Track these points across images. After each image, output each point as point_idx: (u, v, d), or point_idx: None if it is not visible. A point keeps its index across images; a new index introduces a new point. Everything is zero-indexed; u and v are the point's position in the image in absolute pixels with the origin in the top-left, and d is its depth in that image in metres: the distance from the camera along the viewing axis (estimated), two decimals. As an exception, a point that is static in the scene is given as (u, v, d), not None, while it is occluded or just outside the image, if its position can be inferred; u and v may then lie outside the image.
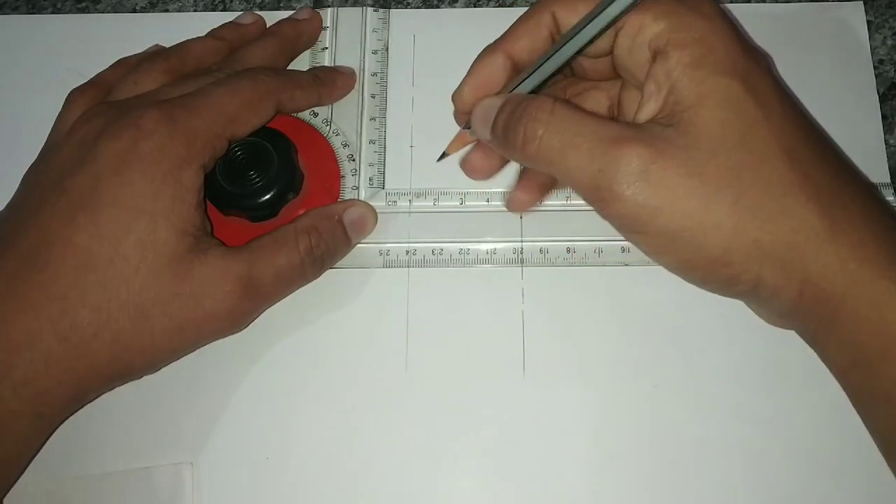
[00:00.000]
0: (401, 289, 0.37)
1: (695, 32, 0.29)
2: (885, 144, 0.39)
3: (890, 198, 0.37)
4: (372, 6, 0.41)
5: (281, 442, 0.35)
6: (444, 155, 0.35)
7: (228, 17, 0.40)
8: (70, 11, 0.43)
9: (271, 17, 0.40)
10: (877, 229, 0.28)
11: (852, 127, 0.39)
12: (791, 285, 0.28)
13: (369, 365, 0.36)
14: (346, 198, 0.38)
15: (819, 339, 0.30)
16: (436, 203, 0.38)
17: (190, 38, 0.38)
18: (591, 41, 0.31)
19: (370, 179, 0.38)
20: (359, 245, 0.37)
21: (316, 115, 0.39)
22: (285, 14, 0.41)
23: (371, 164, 0.39)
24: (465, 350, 0.36)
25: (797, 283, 0.28)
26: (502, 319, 0.36)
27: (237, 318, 0.33)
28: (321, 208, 0.36)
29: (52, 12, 0.43)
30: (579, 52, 0.31)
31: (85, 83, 0.37)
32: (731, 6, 0.41)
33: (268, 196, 0.35)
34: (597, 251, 0.37)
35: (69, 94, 0.36)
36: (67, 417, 0.33)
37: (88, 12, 0.43)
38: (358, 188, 0.38)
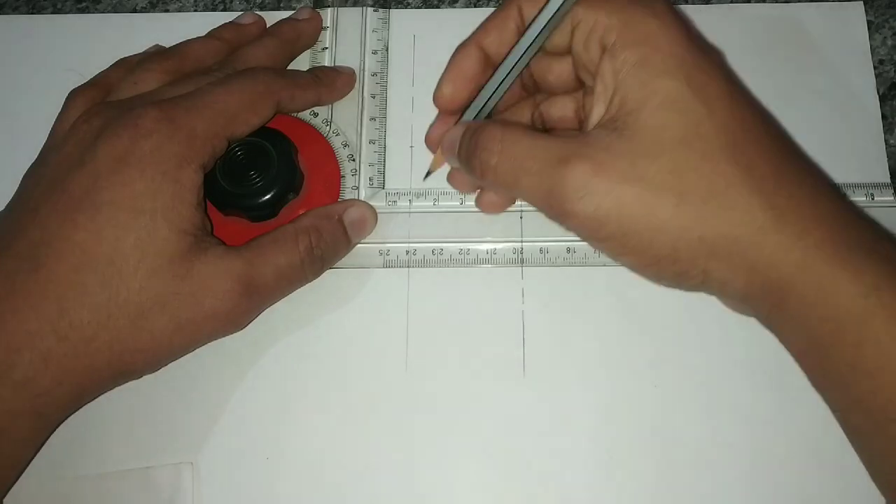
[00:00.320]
0: (401, 289, 0.37)
1: (643, 31, 0.30)
2: (885, 144, 0.39)
3: (890, 198, 0.37)
4: (372, 6, 0.41)
5: (281, 442, 0.35)
6: (428, 173, 0.37)
7: (228, 17, 0.40)
8: (70, 11, 0.43)
9: (271, 17, 0.40)
10: (823, 217, 0.29)
11: (852, 127, 0.39)
12: (737, 277, 0.29)
13: (369, 365, 0.36)
14: (346, 198, 0.38)
15: (774, 325, 0.31)
16: (436, 203, 0.38)
17: (190, 38, 0.38)
18: (541, 33, 0.32)
19: (370, 179, 0.38)
20: (359, 245, 0.37)
21: (316, 115, 0.39)
22: (285, 14, 0.41)
23: (371, 164, 0.39)
24: (465, 350, 0.36)
25: (743, 274, 0.29)
26: (502, 319, 0.36)
27: (237, 317, 0.33)
28: (321, 208, 0.36)
29: (52, 12, 0.43)
30: (538, 50, 0.33)
31: (85, 83, 0.37)
32: (731, 6, 0.41)
33: (268, 196, 0.35)
34: (597, 251, 0.37)
35: (69, 94, 0.36)
36: (67, 417, 0.33)
37: (88, 12, 0.43)
38: (358, 188, 0.38)
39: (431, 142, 0.36)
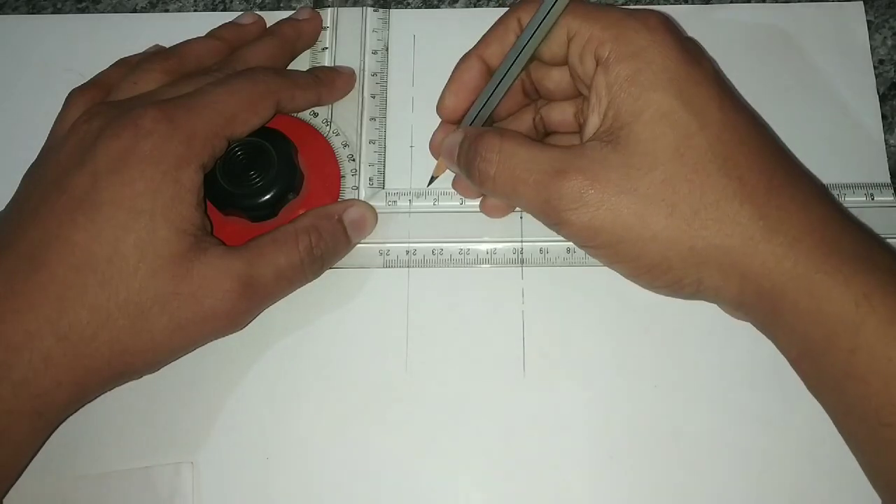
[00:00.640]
0: (401, 289, 0.37)
1: (636, 45, 0.31)
2: (886, 144, 0.39)
3: (890, 198, 0.37)
4: (372, 6, 0.41)
5: (281, 442, 0.35)
6: (433, 179, 0.37)
7: (228, 17, 0.40)
8: (70, 11, 0.43)
9: (271, 17, 0.40)
10: (814, 225, 0.30)
11: (852, 127, 0.39)
12: (731, 286, 0.30)
13: (369, 365, 0.36)
14: (346, 198, 0.38)
15: (769, 331, 0.31)
16: (436, 203, 0.38)
17: (190, 38, 0.38)
18: (530, 41, 0.33)
19: (370, 179, 0.38)
20: (359, 245, 0.37)
21: (316, 115, 0.39)
22: (285, 14, 0.41)
23: (371, 164, 0.39)
24: (465, 350, 0.36)
25: (736, 283, 0.30)
26: (502, 319, 0.36)
27: (237, 317, 0.33)
28: (321, 208, 0.36)
29: (52, 12, 0.43)
30: (531, 57, 0.34)
31: (85, 83, 0.37)
32: (731, 6, 0.41)
33: (268, 196, 0.35)
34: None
35: (69, 94, 0.36)
36: (67, 417, 0.33)
37: (88, 12, 0.43)
38: (358, 188, 0.38)
39: (434, 148, 0.37)
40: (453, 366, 0.36)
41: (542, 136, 0.37)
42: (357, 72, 0.40)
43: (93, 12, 0.43)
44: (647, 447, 0.35)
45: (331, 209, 0.36)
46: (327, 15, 0.41)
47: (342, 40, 0.41)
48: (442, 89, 0.35)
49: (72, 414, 0.33)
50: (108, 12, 0.43)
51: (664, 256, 0.30)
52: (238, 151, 0.35)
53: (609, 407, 0.35)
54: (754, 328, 0.32)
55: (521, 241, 0.37)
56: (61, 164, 0.32)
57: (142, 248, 0.31)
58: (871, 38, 0.40)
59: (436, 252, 0.37)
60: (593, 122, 0.31)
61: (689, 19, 0.40)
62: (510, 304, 0.37)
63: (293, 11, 0.41)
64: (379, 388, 0.36)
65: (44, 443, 0.33)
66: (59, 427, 0.33)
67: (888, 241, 0.33)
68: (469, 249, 0.37)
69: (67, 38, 0.41)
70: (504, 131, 0.33)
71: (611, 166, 0.30)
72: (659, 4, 0.42)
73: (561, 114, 0.36)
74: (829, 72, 0.40)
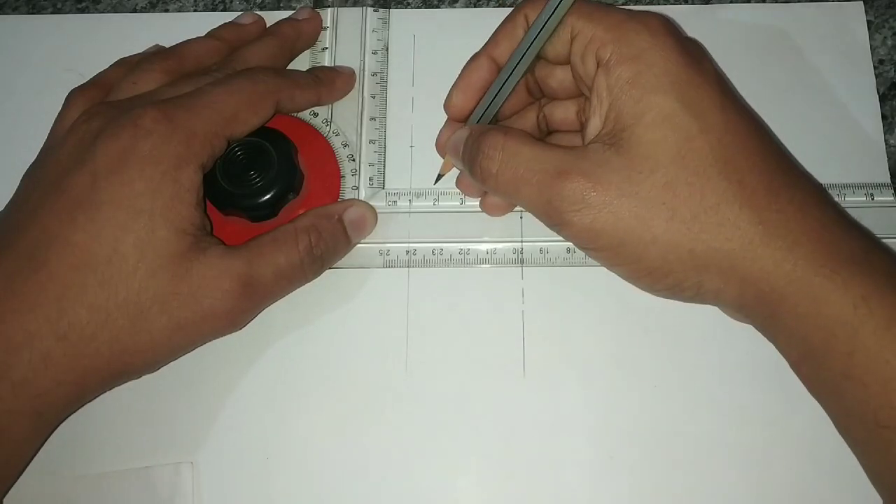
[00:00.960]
0: (401, 289, 0.37)
1: (637, 47, 0.31)
2: (886, 144, 0.39)
3: (890, 198, 0.37)
4: (372, 6, 0.41)
5: (281, 442, 0.35)
6: (439, 177, 0.37)
7: (228, 17, 0.40)
8: (70, 11, 0.43)
9: (271, 17, 0.40)
10: (813, 228, 0.30)
11: (852, 127, 0.39)
12: (730, 289, 0.30)
13: (369, 365, 0.36)
14: (346, 198, 0.38)
15: (769, 334, 0.32)
16: (436, 203, 0.38)
17: (190, 38, 0.38)
18: (538, 36, 0.33)
19: (370, 179, 0.38)
20: (359, 245, 0.37)
21: (316, 115, 0.39)
22: (285, 14, 0.41)
23: (371, 164, 0.39)
24: (465, 350, 0.36)
25: (736, 286, 0.30)
26: (502, 319, 0.36)
27: (236, 316, 0.33)
28: (321, 208, 0.36)
29: (52, 12, 0.43)
30: (538, 54, 0.34)
31: (85, 83, 0.37)
32: (731, 6, 0.41)
33: (268, 196, 0.35)
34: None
35: (69, 94, 0.36)
36: (67, 417, 0.33)
37: (88, 12, 0.43)
38: (358, 188, 0.38)
39: (440, 146, 0.37)
40: (453, 366, 0.36)
41: (545, 134, 0.37)
42: (357, 72, 0.40)
43: (93, 12, 0.43)
44: (646, 447, 0.35)
45: (331, 209, 0.36)
46: (327, 15, 0.41)
47: (342, 40, 0.41)
48: (443, 88, 0.35)
49: (72, 414, 0.33)
50: (108, 12, 0.43)
51: (664, 260, 0.30)
52: (238, 151, 0.35)
53: (609, 407, 0.35)
54: (754, 329, 0.32)
55: (521, 241, 0.37)
56: (61, 163, 0.32)
57: (141, 247, 0.31)
58: (871, 38, 0.40)
59: (436, 252, 0.37)
60: (595, 124, 0.32)
61: (690, 19, 0.40)
62: (510, 304, 0.37)
63: (293, 11, 0.41)
64: (379, 388, 0.36)
65: (44, 443, 0.33)
66: (59, 427, 0.33)
67: (888, 241, 0.33)
68: (469, 249, 0.37)
69: (67, 38, 0.41)
70: (508, 129, 0.33)
71: (613, 169, 0.30)
72: (659, 4, 0.42)
73: (563, 112, 0.36)
74: (829, 72, 0.40)
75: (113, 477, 0.34)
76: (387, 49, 0.41)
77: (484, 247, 0.37)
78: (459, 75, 0.35)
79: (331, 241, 0.35)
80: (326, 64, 0.40)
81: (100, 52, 0.39)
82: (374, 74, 0.40)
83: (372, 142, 0.39)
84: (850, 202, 0.37)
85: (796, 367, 0.31)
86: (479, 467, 0.35)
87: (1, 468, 0.31)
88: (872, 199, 0.37)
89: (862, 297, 0.28)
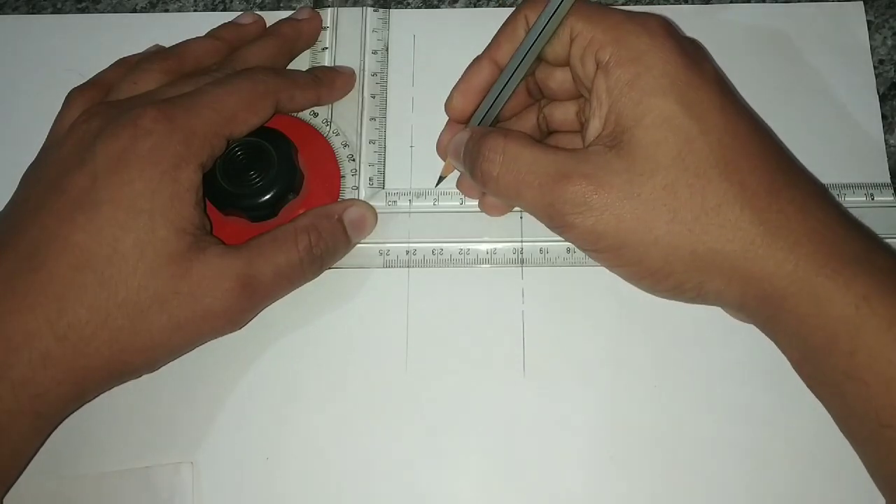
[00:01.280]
0: (401, 289, 0.37)
1: (636, 49, 0.31)
2: (886, 144, 0.39)
3: (890, 198, 0.37)
4: (372, 6, 0.41)
5: (281, 442, 0.35)
6: (440, 179, 0.38)
7: (228, 17, 0.40)
8: (70, 11, 0.43)
9: (271, 17, 0.40)
10: (815, 228, 0.30)
11: (852, 127, 0.39)
12: (732, 289, 0.30)
13: (369, 365, 0.36)
14: (346, 198, 0.38)
15: (771, 333, 0.32)
16: (436, 203, 0.38)
17: (190, 38, 0.38)
18: (539, 38, 0.33)
19: (370, 179, 0.38)
20: (359, 245, 0.37)
21: (316, 115, 0.39)
22: (285, 14, 0.41)
23: (371, 164, 0.39)
24: (465, 350, 0.36)
25: (738, 286, 0.30)
26: (502, 319, 0.36)
27: (236, 316, 0.33)
28: (321, 208, 0.36)
29: (52, 12, 0.43)
30: (538, 56, 0.34)
31: (84, 83, 0.37)
32: (731, 6, 0.41)
33: (268, 196, 0.35)
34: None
35: (69, 94, 0.36)
36: (67, 417, 0.33)
37: (88, 12, 0.43)
38: (358, 188, 0.38)
39: (441, 148, 0.37)
40: (453, 366, 0.36)
41: (545, 135, 0.37)
42: (357, 72, 0.40)
43: (93, 12, 0.43)
44: (646, 447, 0.35)
45: (331, 209, 0.36)
46: (327, 15, 0.41)
47: (342, 40, 0.41)
48: (443, 88, 0.36)
49: (72, 414, 0.33)
50: (108, 12, 0.43)
51: (666, 261, 0.30)
52: (238, 151, 0.35)
53: (609, 407, 0.35)
54: (754, 328, 0.32)
55: (521, 241, 0.37)
56: (61, 163, 0.32)
57: (141, 247, 0.31)
58: (871, 38, 0.40)
59: (436, 252, 0.37)
60: (595, 126, 0.32)
61: (690, 19, 0.40)
62: (510, 304, 0.37)
63: (293, 11, 0.41)
64: (379, 388, 0.36)
65: (44, 443, 0.33)
66: (59, 427, 0.33)
67: (888, 241, 0.33)
68: (469, 249, 0.37)
69: (67, 38, 0.41)
70: (508, 132, 0.33)
71: (614, 171, 0.30)
72: (659, 4, 0.42)
73: (563, 113, 0.36)
74: (829, 72, 0.40)
75: (113, 477, 0.34)
76: (387, 49, 0.41)
77: (484, 247, 0.37)
78: (461, 77, 0.35)
79: (330, 241, 0.35)
80: (326, 64, 0.40)
81: (100, 52, 0.39)
82: (374, 74, 0.40)
83: (372, 142, 0.39)
84: (851, 202, 0.37)
85: (798, 366, 0.31)
86: (479, 467, 0.35)
87: (1, 468, 0.31)
88: (872, 199, 0.37)
89: (864, 297, 0.28)
